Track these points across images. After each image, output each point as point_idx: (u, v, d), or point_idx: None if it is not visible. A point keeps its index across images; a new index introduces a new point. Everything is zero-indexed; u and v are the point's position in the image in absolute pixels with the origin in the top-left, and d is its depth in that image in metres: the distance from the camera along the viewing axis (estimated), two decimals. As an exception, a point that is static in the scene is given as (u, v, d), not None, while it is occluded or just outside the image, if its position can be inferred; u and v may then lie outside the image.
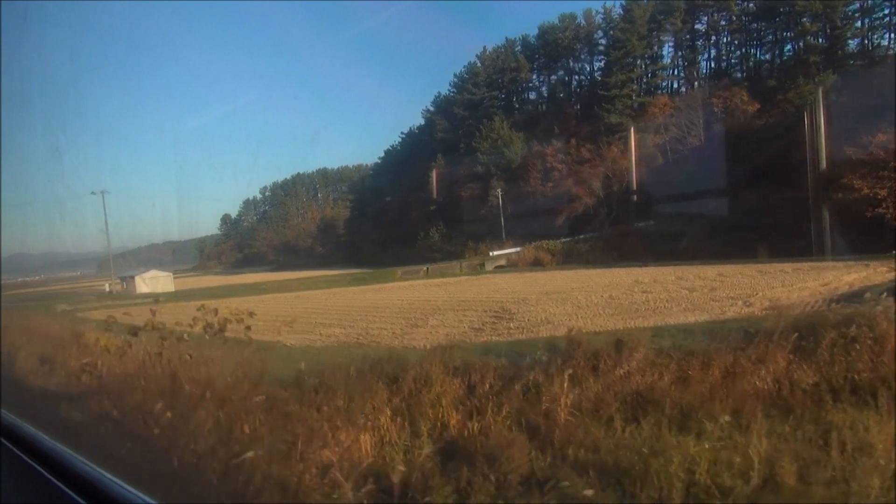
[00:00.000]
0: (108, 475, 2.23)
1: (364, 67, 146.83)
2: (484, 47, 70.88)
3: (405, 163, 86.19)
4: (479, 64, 71.20)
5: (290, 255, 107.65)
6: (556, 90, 64.67)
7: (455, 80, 75.36)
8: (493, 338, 17.46)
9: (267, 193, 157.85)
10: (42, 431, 3.00)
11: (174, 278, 57.26)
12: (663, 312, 18.27)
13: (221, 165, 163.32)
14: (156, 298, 48.74)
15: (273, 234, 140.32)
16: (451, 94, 75.25)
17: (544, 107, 67.11)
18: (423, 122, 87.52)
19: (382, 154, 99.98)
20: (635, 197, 46.19)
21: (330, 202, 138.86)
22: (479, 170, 60.43)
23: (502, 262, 50.55)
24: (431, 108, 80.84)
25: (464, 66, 73.58)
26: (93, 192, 51.99)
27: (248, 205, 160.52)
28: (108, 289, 52.67)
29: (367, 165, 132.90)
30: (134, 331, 7.78)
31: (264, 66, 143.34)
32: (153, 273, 54.92)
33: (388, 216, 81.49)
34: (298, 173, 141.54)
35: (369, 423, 5.75)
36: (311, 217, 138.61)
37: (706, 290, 23.64)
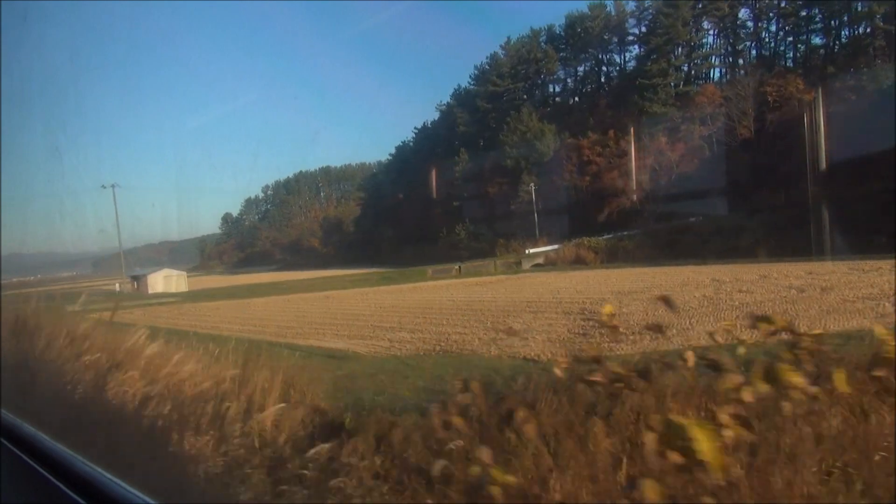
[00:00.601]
0: (109, 475, 2.17)
1: (364, 67, 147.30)
2: (508, 38, 68.07)
3: (421, 158, 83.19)
4: (502, 55, 68.40)
5: (296, 255, 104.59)
6: (587, 80, 61.86)
7: (475, 72, 72.60)
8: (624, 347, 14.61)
9: (269, 192, 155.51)
10: (42, 431, 2.94)
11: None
12: (807, 316, 15.36)
13: (221, 165, 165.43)
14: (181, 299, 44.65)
15: (277, 233, 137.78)
16: (472, 87, 72.41)
17: (575, 98, 64.29)
18: (437, 116, 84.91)
19: (393, 151, 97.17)
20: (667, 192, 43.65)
21: (333, 201, 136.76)
22: (508, 163, 57.55)
23: (539, 260, 47.75)
24: (450, 102, 77.92)
25: (486, 58, 70.79)
26: (103, 186, 48.98)
27: (250, 204, 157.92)
28: (118, 288, 49.46)
29: (370, 164, 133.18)
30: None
31: (264, 66, 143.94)
32: (166, 272, 51.75)
33: (404, 213, 78.56)
34: (301, 171, 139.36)
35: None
36: (314, 216, 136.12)
37: (816, 289, 20.85)
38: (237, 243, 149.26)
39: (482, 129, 66.94)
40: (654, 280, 30.32)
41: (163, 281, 49.77)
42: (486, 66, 70.65)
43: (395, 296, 35.90)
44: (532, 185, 52.64)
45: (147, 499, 2.03)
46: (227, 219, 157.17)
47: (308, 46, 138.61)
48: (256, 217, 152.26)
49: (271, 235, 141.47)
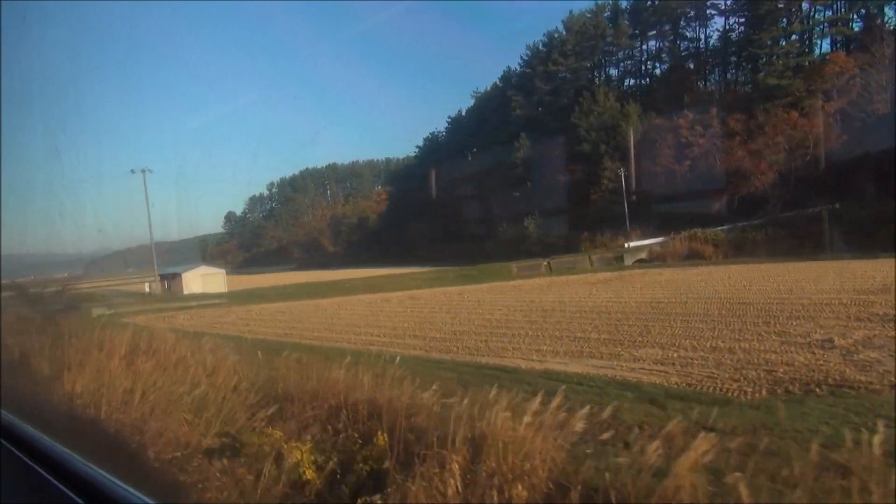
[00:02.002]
0: (108, 476, 2.19)
1: (364, 67, 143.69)
2: (570, 11, 61.61)
3: (456, 148, 76.94)
4: (562, 32, 61.99)
5: (313, 253, 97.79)
6: (675, 54, 55.47)
7: (528, 52, 66.17)
8: None
9: (273, 189, 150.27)
10: (42, 432, 2.99)
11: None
12: None
13: (221, 165, 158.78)
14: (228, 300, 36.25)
15: (283, 232, 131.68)
16: (524, 70, 65.95)
17: (650, 76, 58.05)
18: (472, 103, 78.46)
19: (420, 143, 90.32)
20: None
21: (341, 199, 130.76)
22: (585, 148, 51.09)
23: (642, 255, 41.37)
24: (497, 85, 71.56)
25: (542, 36, 64.37)
26: (132, 171, 42.01)
27: (254, 201, 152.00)
28: (148, 289, 42.34)
29: (377, 161, 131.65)
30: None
31: (264, 66, 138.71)
32: (203, 269, 44.58)
33: (441, 208, 71.80)
34: (307, 168, 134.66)
35: None
36: (321, 214, 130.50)
37: None
38: (241, 242, 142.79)
39: (543, 112, 60.57)
40: (832, 278, 24.09)
41: (200, 280, 42.57)
42: (541, 46, 64.34)
43: (506, 296, 29.59)
44: (621, 171, 46.13)
45: (147, 499, 2.02)
46: (230, 217, 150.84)
47: (308, 46, 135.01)
48: (260, 215, 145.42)
49: (278, 234, 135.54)
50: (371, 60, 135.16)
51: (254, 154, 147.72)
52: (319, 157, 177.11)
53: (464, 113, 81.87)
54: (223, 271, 46.46)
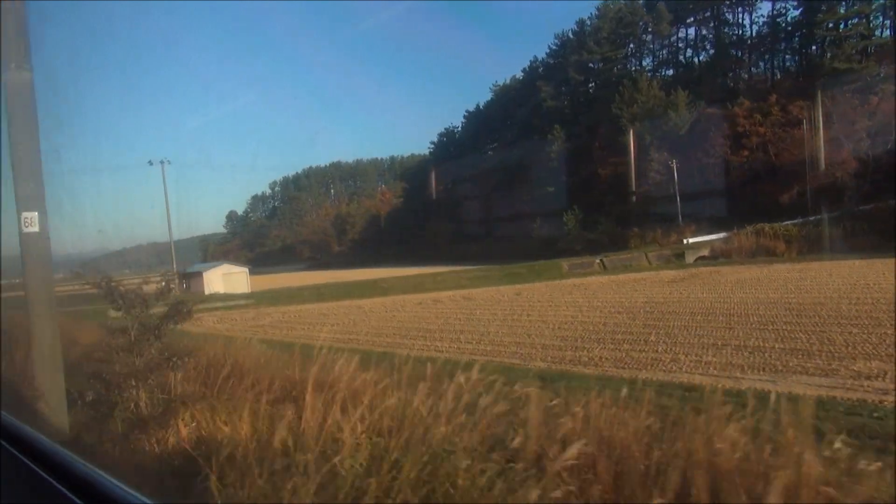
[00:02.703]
0: (108, 477, 2.15)
1: (364, 67, 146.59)
2: (604, -3, 58.60)
3: (476, 143, 74.12)
4: (594, 20, 59.04)
5: (323, 253, 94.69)
6: (719, 40, 52.46)
7: (557, 41, 63.23)
8: None
9: (276, 189, 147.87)
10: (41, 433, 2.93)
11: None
12: None
13: (221, 166, 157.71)
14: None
15: (292, 231, 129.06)
16: (552, 60, 63.02)
17: (696, 62, 55.10)
18: (490, 97, 75.65)
19: (434, 139, 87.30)
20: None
21: (345, 198, 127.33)
22: (627, 140, 48.19)
23: (704, 251, 38.43)
24: (522, 76, 68.57)
25: (574, 23, 61.44)
26: (150, 163, 38.80)
27: (256, 201, 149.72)
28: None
29: (382, 159, 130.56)
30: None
31: (264, 66, 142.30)
32: (225, 268, 41.23)
33: (467, 204, 68.76)
34: (311, 167, 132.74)
35: None
36: (325, 214, 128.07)
37: None
38: (244, 242, 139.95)
39: (576, 103, 57.67)
40: None
41: (221, 279, 39.25)
42: (570, 35, 61.41)
43: (576, 296, 26.64)
44: (672, 162, 43.15)
45: (147, 499, 2.02)
46: (231, 217, 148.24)
47: (308, 46, 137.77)
48: (263, 215, 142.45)
49: (282, 234, 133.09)
50: (372, 61, 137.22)
51: (254, 153, 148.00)
52: (322, 156, 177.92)
53: (481, 107, 79.02)
54: (246, 270, 43.09)
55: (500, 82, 74.50)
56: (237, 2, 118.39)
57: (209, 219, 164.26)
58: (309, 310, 31.25)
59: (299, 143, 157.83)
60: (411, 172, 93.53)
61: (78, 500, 2.09)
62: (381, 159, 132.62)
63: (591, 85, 56.45)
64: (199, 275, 39.23)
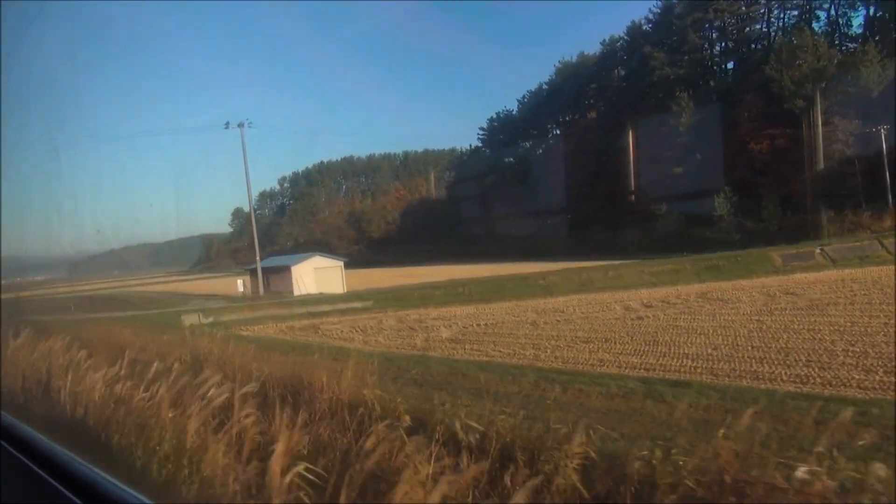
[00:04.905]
0: (108, 477, 2.14)
1: (364, 67, 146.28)
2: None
3: (546, 125, 65.58)
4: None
5: (370, 249, 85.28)
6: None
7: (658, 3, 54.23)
8: None
9: (286, 185, 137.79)
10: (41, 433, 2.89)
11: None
12: None
13: (220, 166, 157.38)
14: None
15: (307, 228, 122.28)
16: (667, 19, 54.06)
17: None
18: (553, 76, 66.70)
19: (485, 125, 77.63)
20: None
21: (358, 193, 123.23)
22: (797, 105, 39.33)
23: (959, 238, 29.69)
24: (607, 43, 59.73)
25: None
26: (226, 125, 29.46)
27: (265, 197, 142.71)
28: (241, 289, 29.05)
29: (395, 154, 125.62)
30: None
31: (264, 66, 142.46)
32: (317, 261, 31.29)
33: (544, 193, 59.47)
34: (322, 162, 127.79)
35: None
36: (338, 211, 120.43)
37: None
38: (252, 241, 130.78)
39: (701, 69, 48.81)
40: None
41: (313, 275, 29.30)
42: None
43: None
44: (882, 129, 34.25)
45: (147, 499, 1.98)
46: (237, 214, 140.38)
47: (308, 46, 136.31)
48: (272, 212, 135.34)
49: (294, 231, 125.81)
50: (371, 60, 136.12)
51: (256, 152, 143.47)
52: (334, 151, 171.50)
53: (544, 86, 69.74)
54: (341, 263, 32.91)
55: (567, 59, 65.87)
56: (237, 2, 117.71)
57: (207, 218, 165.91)
58: (455, 314, 22.19)
59: (298, 143, 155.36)
60: (461, 161, 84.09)
61: (78, 501, 2.02)
62: (395, 154, 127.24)
63: (719, 46, 47.45)
64: (285, 270, 29.35)
